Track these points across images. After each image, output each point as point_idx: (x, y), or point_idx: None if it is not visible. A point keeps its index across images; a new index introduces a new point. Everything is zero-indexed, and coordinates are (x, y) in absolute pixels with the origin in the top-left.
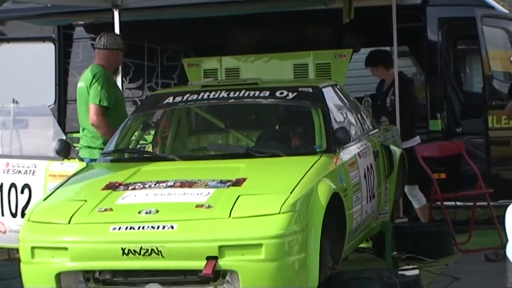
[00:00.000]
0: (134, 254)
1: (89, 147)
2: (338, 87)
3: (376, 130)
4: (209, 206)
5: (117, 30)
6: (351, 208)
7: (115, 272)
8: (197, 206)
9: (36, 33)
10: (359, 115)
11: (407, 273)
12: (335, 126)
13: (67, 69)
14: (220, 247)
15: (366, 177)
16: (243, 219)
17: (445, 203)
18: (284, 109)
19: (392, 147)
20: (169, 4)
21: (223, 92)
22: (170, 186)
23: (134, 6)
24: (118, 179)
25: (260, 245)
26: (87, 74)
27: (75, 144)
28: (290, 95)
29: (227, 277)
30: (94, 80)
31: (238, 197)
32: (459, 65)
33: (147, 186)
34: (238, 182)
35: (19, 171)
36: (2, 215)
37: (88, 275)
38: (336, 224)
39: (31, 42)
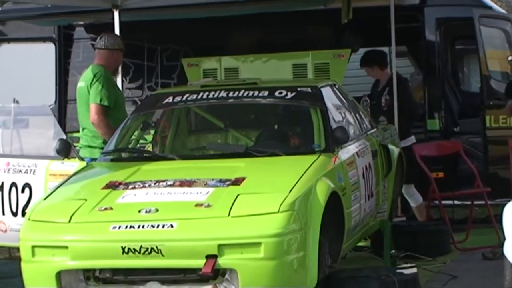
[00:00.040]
0: (134, 253)
1: (89, 146)
2: (336, 87)
3: (375, 129)
4: (208, 205)
5: (117, 30)
6: (349, 207)
7: (115, 271)
8: (196, 205)
9: (36, 33)
10: (357, 115)
11: (405, 271)
12: (334, 125)
13: (67, 69)
14: (219, 245)
15: (364, 176)
16: (242, 218)
17: (443, 202)
18: (283, 109)
19: (390, 147)
20: (169, 5)
21: (223, 92)
22: (170, 185)
23: (134, 7)
24: (118, 178)
25: (259, 243)
26: (87, 74)
27: (75, 144)
28: (289, 95)
29: (226, 276)
30: (95, 80)
31: (237, 196)
32: (457, 65)
33: (147, 185)
34: (237, 181)
35: (20, 171)
36: (3, 214)
37: (88, 273)
38: (335, 222)
39: (31, 42)
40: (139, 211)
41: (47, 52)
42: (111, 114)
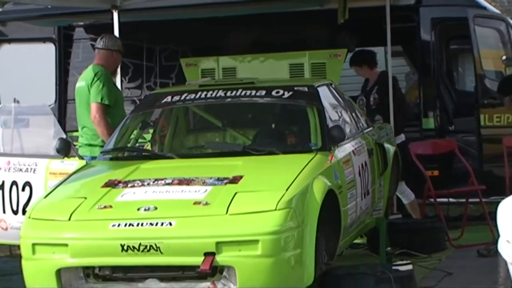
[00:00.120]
0: (133, 250)
1: (89, 145)
2: (333, 86)
3: (371, 128)
4: (206, 203)
5: (116, 30)
6: (346, 204)
7: (114, 268)
8: (195, 203)
9: (36, 34)
10: (353, 114)
11: (401, 268)
12: (330, 124)
13: (67, 69)
14: (217, 243)
15: (360, 174)
16: (240, 215)
17: (438, 199)
18: (280, 108)
19: (386, 145)
20: (168, 5)
21: (220, 91)
22: (168, 184)
23: (133, 7)
24: (118, 177)
25: (256, 241)
26: (88, 73)
27: (75, 143)
28: (286, 94)
29: (224, 273)
30: (95, 79)
31: (235, 194)
32: (452, 65)
33: (145, 183)
34: (235, 180)
35: (20, 169)
36: (4, 212)
37: (88, 271)
38: (331, 220)
39: (32, 42)
40: (138, 209)
41: (47, 52)
42: (111, 113)
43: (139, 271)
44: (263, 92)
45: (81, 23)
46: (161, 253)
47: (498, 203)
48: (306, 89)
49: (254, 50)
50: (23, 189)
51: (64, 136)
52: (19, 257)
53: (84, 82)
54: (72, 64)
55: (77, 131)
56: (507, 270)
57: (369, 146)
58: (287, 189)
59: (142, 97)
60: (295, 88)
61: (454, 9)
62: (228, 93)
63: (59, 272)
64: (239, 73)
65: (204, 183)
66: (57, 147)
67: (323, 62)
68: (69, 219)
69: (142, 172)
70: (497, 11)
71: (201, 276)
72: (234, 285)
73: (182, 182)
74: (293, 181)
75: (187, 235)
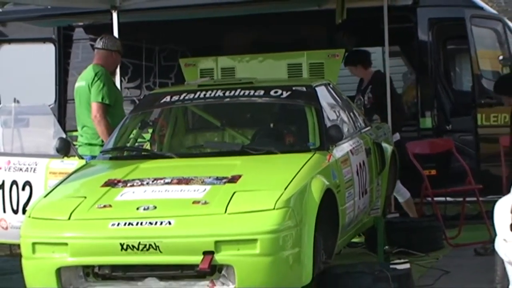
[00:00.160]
0: (132, 250)
1: (89, 144)
2: (331, 86)
3: (368, 128)
4: (205, 202)
5: (116, 31)
6: (344, 203)
7: (114, 267)
8: (193, 202)
9: (36, 34)
10: (351, 113)
11: (399, 267)
12: (328, 124)
13: (67, 69)
14: (216, 242)
15: (358, 173)
16: (239, 214)
17: (435, 198)
18: (279, 108)
19: (384, 145)
20: (167, 6)
21: (219, 91)
22: (168, 183)
23: (132, 8)
24: (117, 176)
25: (255, 240)
26: (88, 73)
27: (74, 142)
28: (284, 94)
29: (223, 272)
30: (96, 79)
31: (234, 193)
32: (449, 65)
33: (145, 183)
34: (233, 179)
35: (20, 169)
36: (4, 211)
37: (87, 270)
38: (329, 219)
39: (31, 43)
40: (138, 209)
41: (47, 52)
42: (111, 112)
43: (139, 270)
44: (262, 92)
45: (81, 24)
46: (160, 252)
47: (495, 202)
48: (304, 89)
49: (253, 50)
50: (23, 189)
51: (64, 135)
52: (19, 256)
53: (84, 81)
54: (71, 64)
55: (76, 130)
56: (504, 268)
57: (367, 145)
58: (285, 188)
59: (141, 97)
60: (294, 88)
61: (451, 10)
62: (227, 93)
63: (59, 271)
64: (238, 73)
65: (203, 183)
66: (57, 146)
67: (321, 62)
68: (69, 219)
69: (142, 171)
70: (494, 11)
71: (200, 275)
72: (232, 284)
73: (181, 181)
74: (292, 180)
75: (186, 234)
